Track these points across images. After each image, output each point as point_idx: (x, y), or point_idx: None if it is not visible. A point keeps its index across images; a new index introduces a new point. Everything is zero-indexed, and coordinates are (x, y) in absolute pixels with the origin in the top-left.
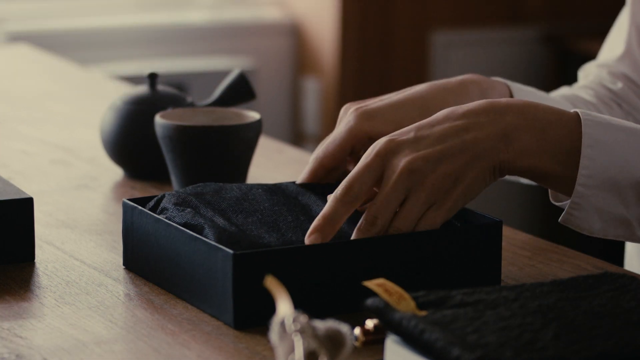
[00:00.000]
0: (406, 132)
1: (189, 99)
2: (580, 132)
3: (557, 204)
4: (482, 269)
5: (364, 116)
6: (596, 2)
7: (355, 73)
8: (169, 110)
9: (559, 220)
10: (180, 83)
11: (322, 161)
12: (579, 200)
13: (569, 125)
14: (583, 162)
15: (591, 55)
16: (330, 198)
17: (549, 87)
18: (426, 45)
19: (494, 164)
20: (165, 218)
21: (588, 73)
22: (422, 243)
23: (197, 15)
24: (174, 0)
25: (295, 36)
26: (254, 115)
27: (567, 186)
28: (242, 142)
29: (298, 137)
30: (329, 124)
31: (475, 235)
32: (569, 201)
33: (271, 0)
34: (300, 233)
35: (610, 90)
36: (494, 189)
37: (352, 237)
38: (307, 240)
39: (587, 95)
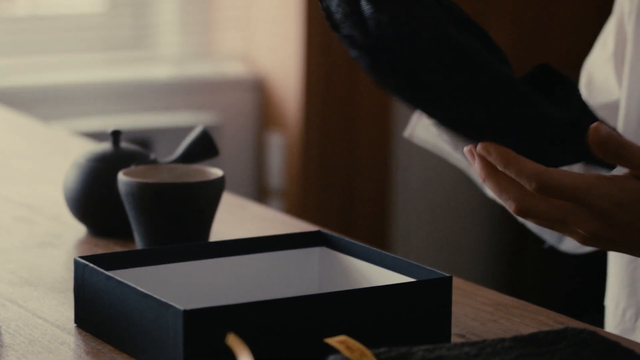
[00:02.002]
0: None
1: (152, 156)
2: None
3: None
4: (432, 324)
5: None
6: None
7: (320, 128)
8: (132, 168)
9: None
10: (145, 139)
11: None
12: None
13: None
14: None
15: None
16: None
17: None
18: (391, 98)
19: None
20: None
21: (590, 78)
22: (371, 299)
23: (160, 71)
24: (137, 56)
25: (259, 91)
26: (216, 172)
27: None
28: (205, 199)
29: (262, 192)
30: (293, 179)
31: (425, 290)
32: None
33: (235, 56)
34: None
35: None
36: (459, 242)
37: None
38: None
39: None
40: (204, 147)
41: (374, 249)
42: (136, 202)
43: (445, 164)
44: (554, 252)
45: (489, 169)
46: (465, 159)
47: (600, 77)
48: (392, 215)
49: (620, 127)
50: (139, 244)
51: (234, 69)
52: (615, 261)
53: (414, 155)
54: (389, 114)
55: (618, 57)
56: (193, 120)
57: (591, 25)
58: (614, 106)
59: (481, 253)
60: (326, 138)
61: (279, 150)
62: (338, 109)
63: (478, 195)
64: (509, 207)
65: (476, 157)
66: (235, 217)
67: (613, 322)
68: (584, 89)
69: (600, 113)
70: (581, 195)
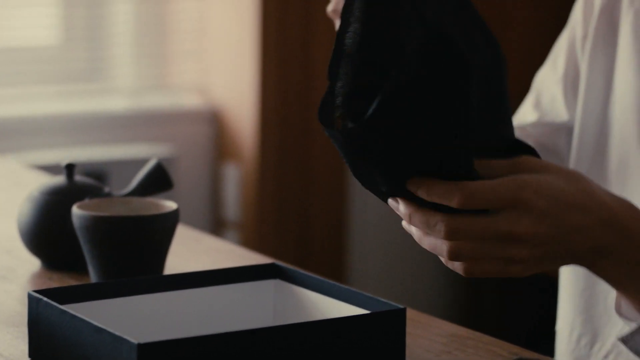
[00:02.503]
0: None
1: (107, 189)
2: None
3: (620, 317)
4: (386, 356)
5: None
6: None
7: (276, 159)
8: (86, 201)
9: (617, 337)
10: (101, 171)
11: None
12: None
13: None
14: None
15: None
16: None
17: None
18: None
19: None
20: None
21: (540, 93)
22: (325, 331)
23: (116, 103)
24: (92, 88)
25: (215, 123)
26: (170, 205)
27: (638, 304)
28: (159, 232)
29: (218, 224)
30: (249, 211)
31: (379, 322)
32: (634, 325)
33: (190, 88)
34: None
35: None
36: (415, 274)
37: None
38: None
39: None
40: (158, 180)
41: (328, 281)
42: (90, 236)
43: None
44: (510, 283)
45: (412, 206)
46: None
47: (549, 97)
48: (348, 247)
49: (574, 152)
50: (93, 277)
51: (189, 101)
52: (569, 288)
53: None
54: None
55: (568, 80)
56: (149, 152)
57: (548, 33)
58: (561, 128)
59: (438, 285)
60: (282, 170)
61: (234, 182)
62: (294, 141)
63: None
64: (440, 233)
65: (399, 200)
66: (190, 250)
67: (567, 349)
68: (532, 106)
69: (547, 131)
70: (513, 191)
